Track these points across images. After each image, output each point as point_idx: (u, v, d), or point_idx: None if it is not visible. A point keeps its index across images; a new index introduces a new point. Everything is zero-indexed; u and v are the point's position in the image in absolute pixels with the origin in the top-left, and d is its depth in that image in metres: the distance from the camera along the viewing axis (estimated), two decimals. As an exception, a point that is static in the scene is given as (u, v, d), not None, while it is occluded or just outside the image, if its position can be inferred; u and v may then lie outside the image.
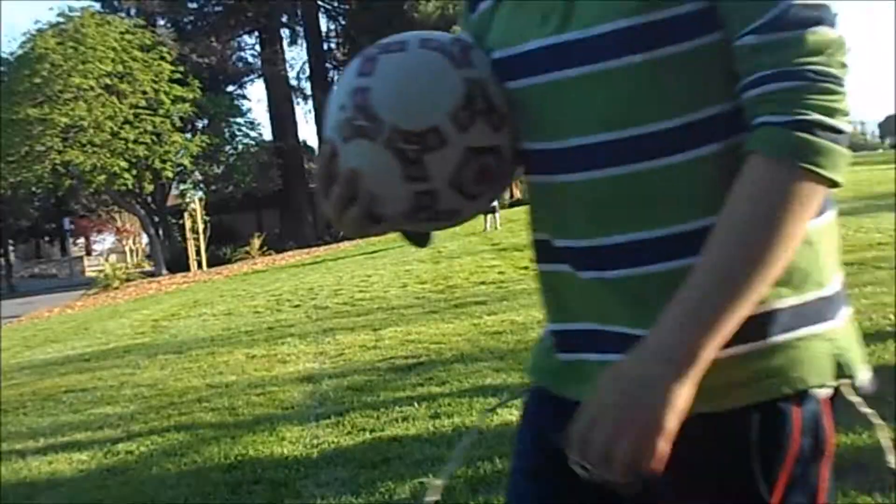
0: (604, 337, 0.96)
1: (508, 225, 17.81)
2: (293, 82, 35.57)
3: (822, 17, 0.86)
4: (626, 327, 0.93)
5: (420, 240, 1.15)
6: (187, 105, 26.28)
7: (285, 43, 35.19)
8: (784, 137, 0.84)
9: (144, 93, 25.39)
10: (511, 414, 4.01)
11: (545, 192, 0.99)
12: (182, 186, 29.34)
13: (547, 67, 0.94)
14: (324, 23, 34.98)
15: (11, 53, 26.64)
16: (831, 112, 0.84)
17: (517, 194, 29.31)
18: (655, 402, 0.84)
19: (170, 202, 30.18)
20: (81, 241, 56.15)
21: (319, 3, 33.86)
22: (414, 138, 0.94)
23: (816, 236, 0.92)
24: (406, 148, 0.94)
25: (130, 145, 24.72)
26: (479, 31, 1.05)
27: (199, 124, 30.33)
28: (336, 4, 34.69)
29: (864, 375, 0.97)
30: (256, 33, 35.07)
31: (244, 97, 38.81)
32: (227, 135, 30.66)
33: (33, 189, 26.00)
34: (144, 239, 39.67)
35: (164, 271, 25.46)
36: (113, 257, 44.27)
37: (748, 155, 0.86)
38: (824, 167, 0.83)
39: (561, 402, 1.02)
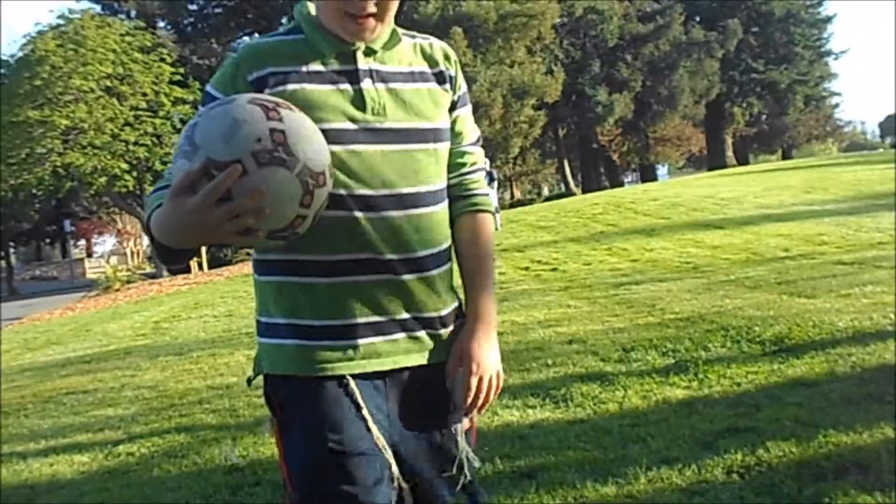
0: (385, 323, 1.49)
1: (509, 226, 17.81)
2: (293, 84, 35.54)
3: None
4: (408, 313, 1.51)
5: (181, 267, 1.50)
6: (188, 107, 26.27)
7: (285, 44, 35.19)
8: (489, 201, 1.65)
9: (145, 95, 25.39)
10: (511, 415, 4.01)
11: (369, 224, 1.46)
12: (183, 188, 29.31)
13: (380, 141, 1.48)
14: (324, 24, 34.99)
15: (12, 56, 26.67)
16: None
17: (518, 195, 29.29)
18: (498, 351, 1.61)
19: (170, 204, 30.14)
20: (82, 243, 56.15)
21: (319, 4, 33.87)
22: (316, 175, 1.32)
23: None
24: (310, 182, 1.31)
25: (131, 147, 24.73)
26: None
27: (200, 126, 30.30)
28: (336, 6, 34.69)
29: None
30: (257, 35, 35.09)
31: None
32: (227, 136, 30.62)
33: (34, 191, 25.98)
34: (145, 241, 39.67)
35: (165, 273, 25.47)
36: (114, 259, 44.25)
37: (478, 210, 1.62)
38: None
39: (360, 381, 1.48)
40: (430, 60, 1.58)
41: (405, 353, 1.51)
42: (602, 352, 5.11)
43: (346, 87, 1.48)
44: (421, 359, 1.53)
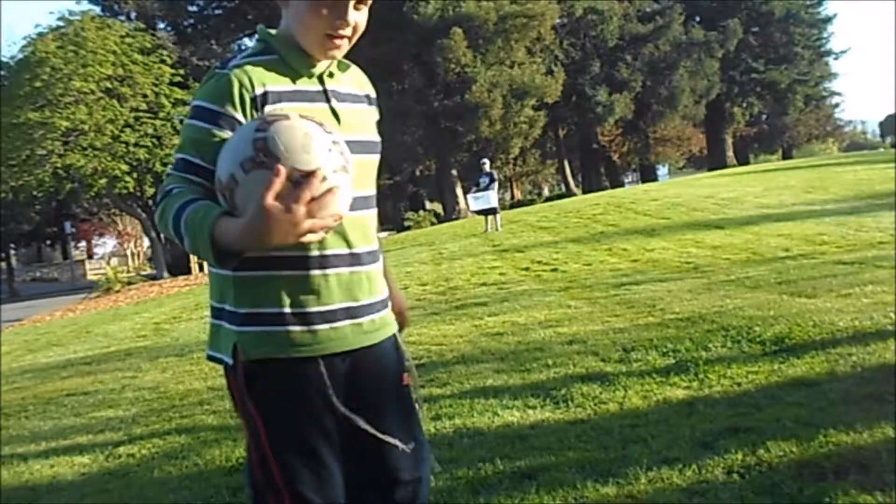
0: (355, 308, 1.71)
1: (510, 226, 17.81)
2: (293, 85, 35.57)
3: None
4: (369, 299, 1.74)
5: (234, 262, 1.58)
6: (188, 108, 26.27)
7: (285, 45, 35.20)
8: None
9: (145, 96, 25.41)
10: (511, 415, 4.01)
11: (348, 221, 1.65)
12: (183, 189, 29.32)
13: (352, 151, 1.62)
14: (324, 25, 34.95)
15: (12, 57, 26.73)
16: None
17: (518, 195, 29.33)
18: None
19: (171, 205, 30.15)
20: (83, 244, 56.16)
21: (319, 5, 33.83)
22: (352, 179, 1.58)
23: None
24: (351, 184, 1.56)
25: (131, 148, 24.74)
26: None
27: (200, 127, 30.33)
28: (336, 7, 34.65)
29: None
30: (257, 36, 35.09)
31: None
32: (227, 137, 30.66)
33: (34, 193, 25.99)
34: (146, 242, 39.65)
35: (166, 274, 25.49)
36: (114, 261, 44.22)
37: None
38: None
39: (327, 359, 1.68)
40: (362, 85, 1.86)
41: (367, 333, 1.75)
42: (602, 352, 5.11)
43: (324, 105, 1.71)
44: (376, 338, 1.77)
